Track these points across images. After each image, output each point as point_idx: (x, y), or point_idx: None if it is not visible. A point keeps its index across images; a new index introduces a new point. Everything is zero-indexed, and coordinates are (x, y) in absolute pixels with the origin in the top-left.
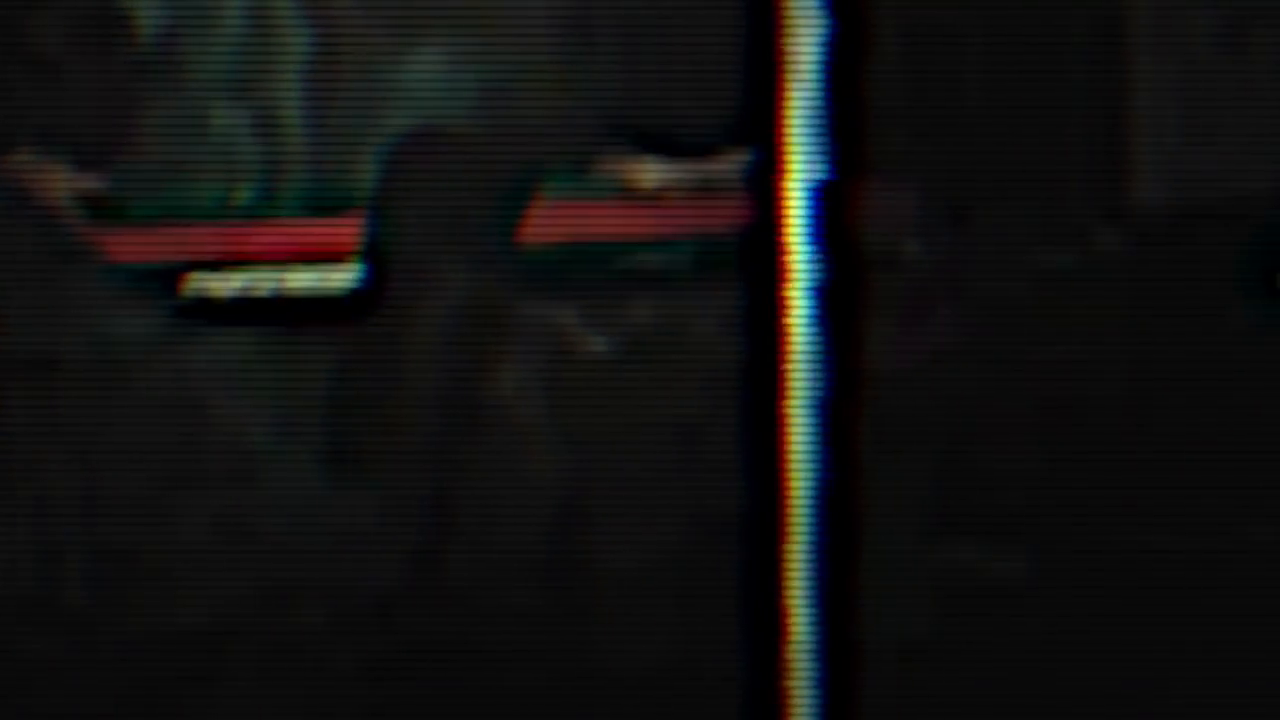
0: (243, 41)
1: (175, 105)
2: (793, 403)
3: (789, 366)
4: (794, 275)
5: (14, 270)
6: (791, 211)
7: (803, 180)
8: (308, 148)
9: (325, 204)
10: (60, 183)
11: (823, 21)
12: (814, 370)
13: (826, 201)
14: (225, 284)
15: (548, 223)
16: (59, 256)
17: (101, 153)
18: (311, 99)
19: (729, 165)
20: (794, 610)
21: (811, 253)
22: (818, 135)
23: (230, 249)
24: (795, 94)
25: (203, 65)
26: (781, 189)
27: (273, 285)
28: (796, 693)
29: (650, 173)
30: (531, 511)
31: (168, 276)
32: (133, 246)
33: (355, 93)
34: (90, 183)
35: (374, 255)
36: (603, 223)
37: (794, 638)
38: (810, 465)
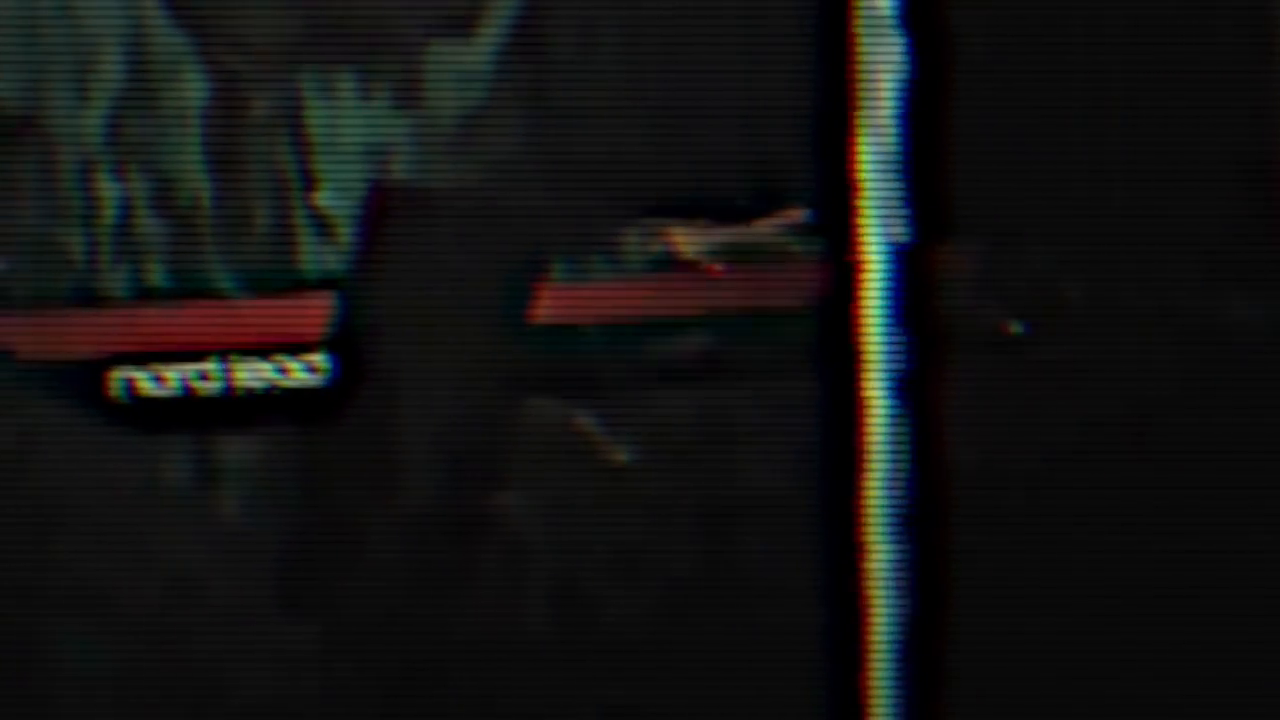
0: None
1: (55, 176)
2: (873, 522)
3: (868, 472)
4: (872, 358)
5: None
6: (868, 281)
7: (880, 244)
8: (236, 214)
9: (278, 280)
10: None
11: (901, 67)
12: (897, 474)
13: (908, 268)
14: (159, 381)
15: (566, 301)
16: None
17: None
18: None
19: (786, 228)
20: None
21: (893, 331)
22: (896, 192)
23: (160, 337)
24: (870, 146)
25: (77, 130)
26: (855, 255)
27: (219, 381)
28: None
29: (695, 239)
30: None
31: (88, 373)
32: (41, 337)
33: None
34: None
35: (345, 342)
36: (635, 299)
37: None
38: (894, 597)
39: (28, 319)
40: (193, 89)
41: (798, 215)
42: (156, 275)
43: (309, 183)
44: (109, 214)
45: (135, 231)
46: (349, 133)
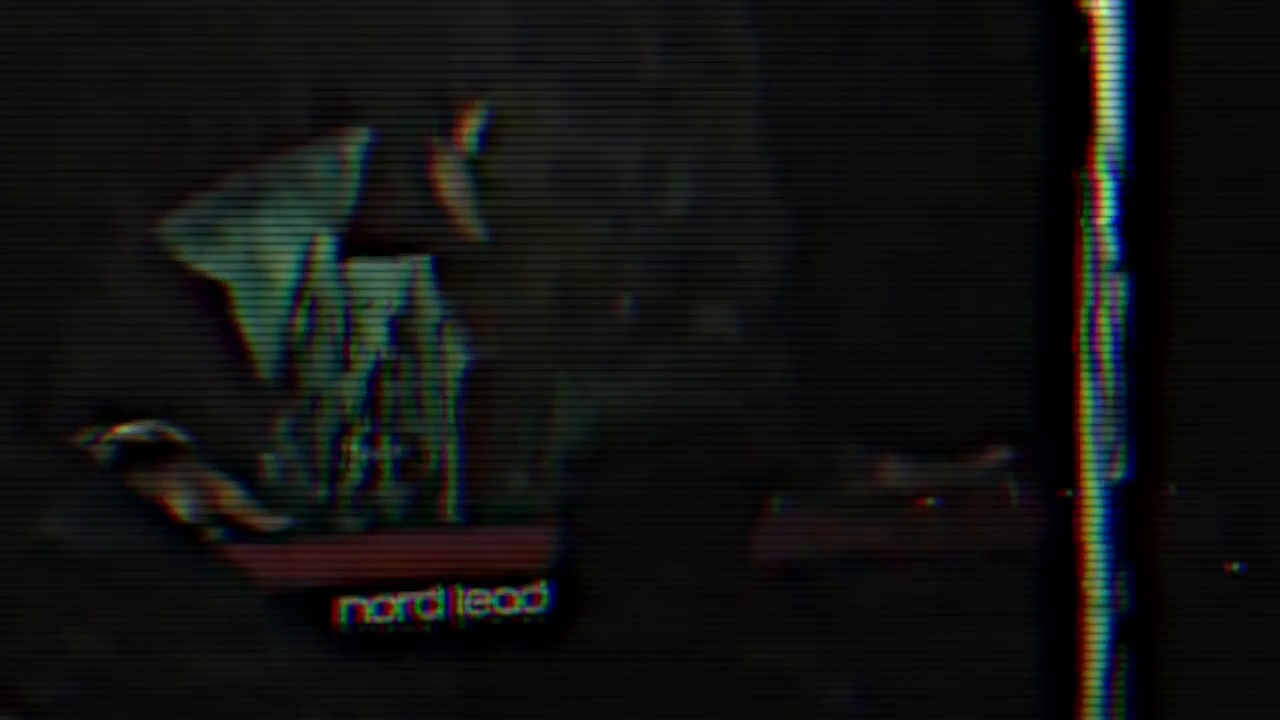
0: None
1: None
2: None
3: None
4: (1092, 599)
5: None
6: (1087, 521)
7: (1100, 483)
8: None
9: (502, 513)
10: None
11: (1123, 307)
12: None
13: (1127, 508)
14: (383, 609)
15: (785, 534)
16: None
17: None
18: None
19: (1001, 466)
20: None
21: (1113, 572)
22: (1116, 431)
23: (384, 567)
24: (1090, 385)
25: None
26: (1074, 494)
27: (440, 611)
28: None
29: (907, 474)
30: None
31: (317, 600)
32: (279, 565)
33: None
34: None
35: (562, 576)
36: (855, 534)
37: None
38: None
39: (269, 547)
40: (453, 361)
41: (1009, 453)
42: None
43: (541, 445)
44: (355, 476)
45: (377, 495)
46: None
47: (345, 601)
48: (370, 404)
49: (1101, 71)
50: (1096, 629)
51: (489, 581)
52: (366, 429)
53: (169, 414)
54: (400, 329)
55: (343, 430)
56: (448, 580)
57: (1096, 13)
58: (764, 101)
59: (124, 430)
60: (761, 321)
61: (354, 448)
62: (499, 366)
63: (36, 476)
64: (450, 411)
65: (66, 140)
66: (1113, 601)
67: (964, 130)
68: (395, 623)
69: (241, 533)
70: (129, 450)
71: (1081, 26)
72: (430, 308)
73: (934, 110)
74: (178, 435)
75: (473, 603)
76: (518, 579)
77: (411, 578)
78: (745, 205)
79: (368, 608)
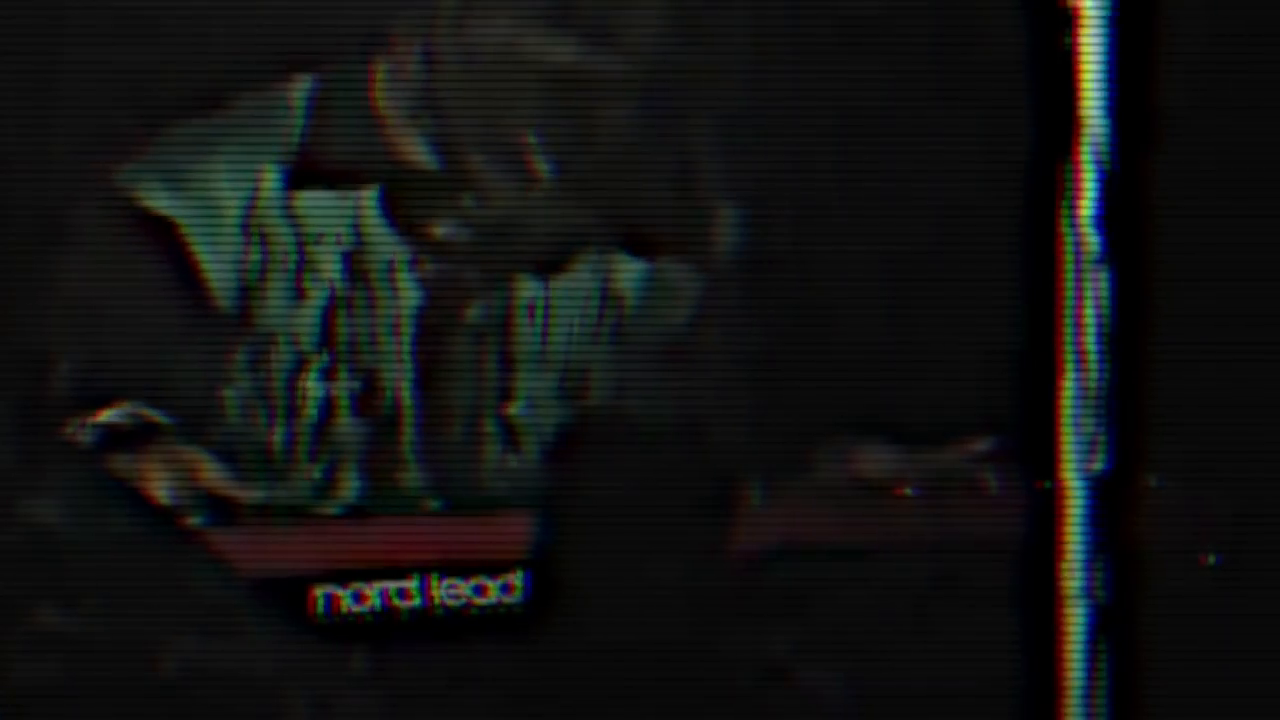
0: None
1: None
2: None
3: (1066, 708)
4: (1070, 591)
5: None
6: (1067, 513)
7: (1080, 475)
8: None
9: (474, 502)
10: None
11: (1105, 301)
12: (1097, 709)
13: (1107, 500)
14: (359, 598)
15: (761, 525)
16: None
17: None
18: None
19: (979, 456)
20: None
21: (1091, 563)
22: (1097, 423)
23: (358, 555)
24: (1072, 377)
25: (286, 331)
26: (1054, 485)
27: (418, 601)
28: None
29: (884, 463)
30: None
31: (293, 589)
32: (257, 553)
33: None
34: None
35: (539, 564)
36: (831, 524)
37: None
38: None
39: (249, 535)
40: (405, 296)
41: (989, 443)
42: (351, 481)
43: (505, 395)
44: (310, 413)
45: (334, 433)
46: (553, 348)
47: (321, 590)
48: (325, 338)
49: (1085, 66)
50: (1076, 620)
51: (465, 571)
52: (323, 363)
53: (136, 369)
54: (353, 263)
55: (299, 365)
56: (424, 569)
57: (1080, 8)
58: (751, 98)
59: (104, 416)
60: (741, 312)
61: (310, 382)
62: (453, 301)
63: (19, 463)
64: (405, 347)
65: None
66: (1091, 593)
67: (947, 125)
68: (372, 611)
69: (221, 510)
70: (110, 436)
71: (1065, 21)
72: (381, 241)
73: (917, 106)
74: (157, 417)
75: (448, 592)
76: (494, 568)
77: (389, 566)
78: (730, 191)
79: (344, 596)
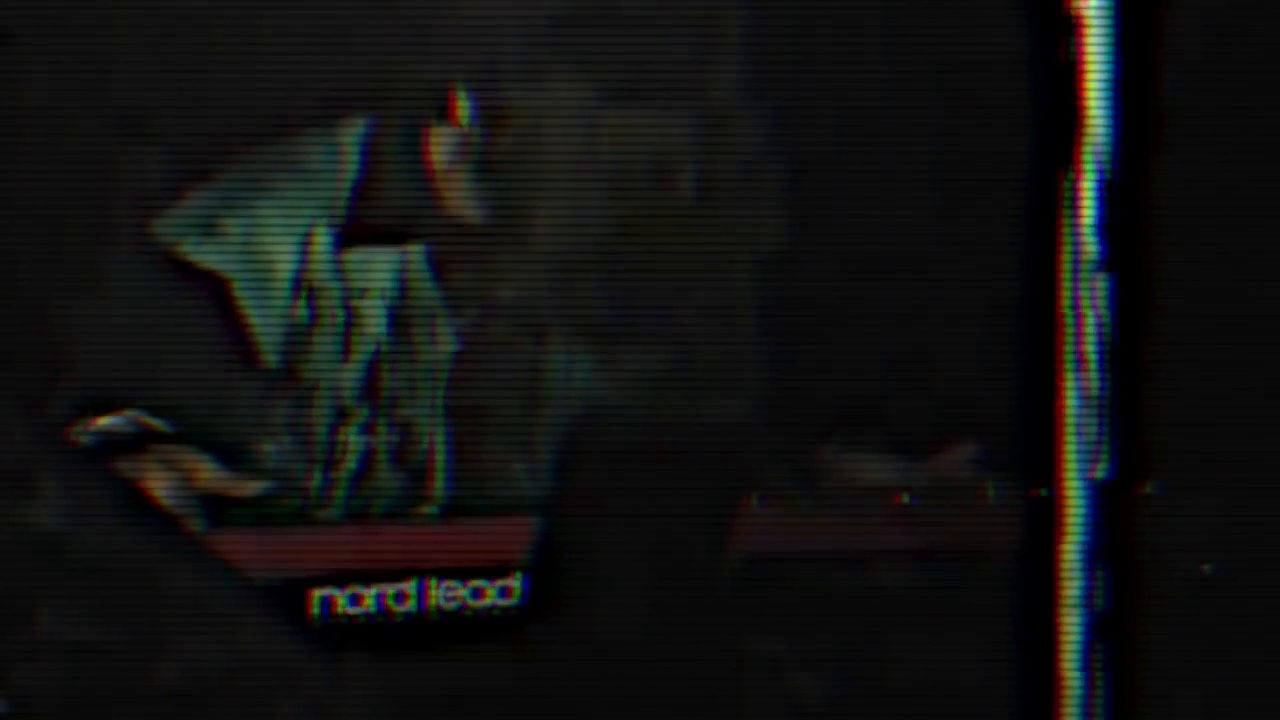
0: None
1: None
2: None
3: (1065, 715)
4: (1069, 598)
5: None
6: (1066, 520)
7: (1080, 482)
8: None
9: (478, 505)
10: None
11: (1105, 307)
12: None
13: (1107, 507)
14: (355, 601)
15: (762, 532)
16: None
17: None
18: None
19: (977, 464)
20: None
21: (1091, 570)
22: (1098, 430)
23: (359, 558)
24: (1073, 384)
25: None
26: (1054, 493)
27: (414, 603)
28: None
29: (881, 469)
30: None
31: (292, 591)
32: (259, 554)
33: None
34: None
35: (539, 567)
36: (831, 531)
37: None
38: None
39: (252, 537)
40: (444, 344)
41: (990, 451)
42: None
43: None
44: (350, 464)
45: (371, 482)
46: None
47: (319, 592)
48: (368, 391)
49: (1088, 73)
50: (1074, 627)
51: (463, 574)
52: (364, 416)
53: (174, 412)
54: (397, 316)
55: (340, 418)
56: (422, 572)
57: (1083, 14)
58: (756, 99)
59: (104, 422)
60: (742, 319)
61: (351, 435)
62: (488, 351)
63: (24, 468)
64: (439, 396)
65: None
66: (1089, 600)
67: (949, 129)
68: (368, 614)
69: (222, 509)
70: (111, 441)
71: (1068, 28)
72: (424, 293)
73: (920, 110)
74: (157, 424)
75: (446, 595)
76: (493, 572)
77: (388, 569)
78: (738, 199)
79: (341, 599)
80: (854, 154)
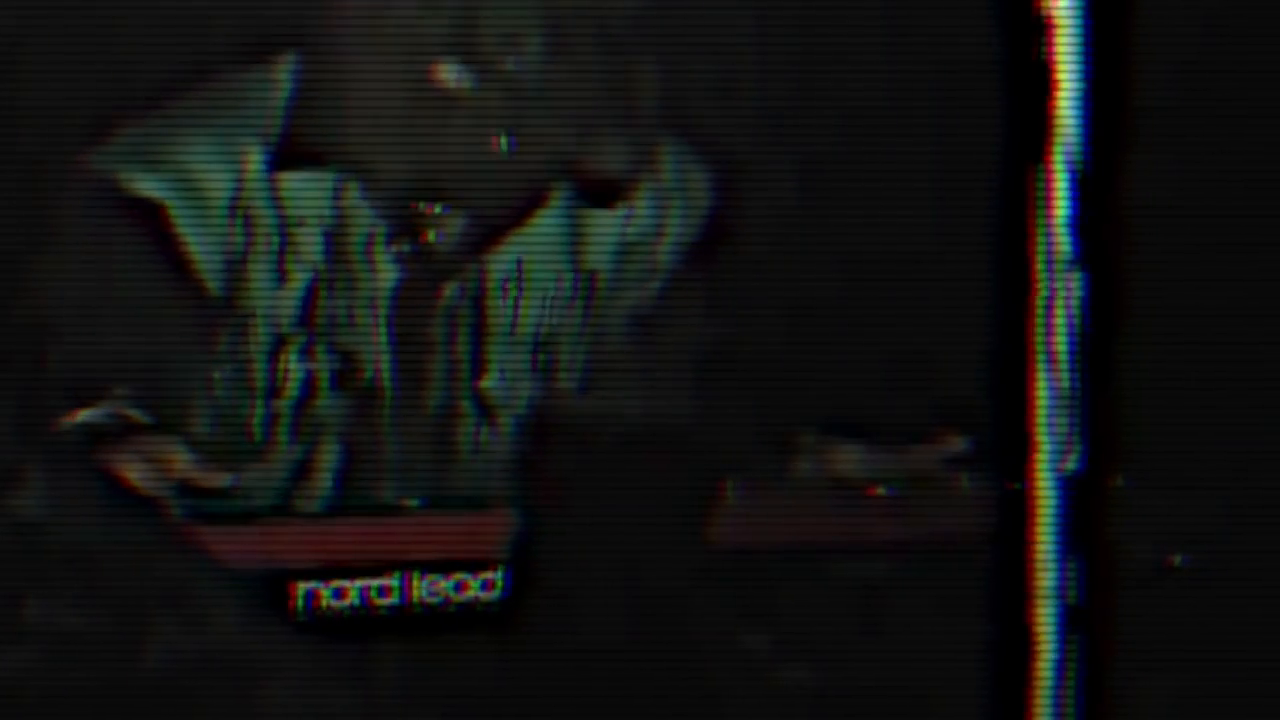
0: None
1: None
2: None
3: (1038, 706)
4: (1042, 590)
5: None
6: (1039, 512)
7: (1051, 476)
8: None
9: (454, 500)
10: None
11: (1078, 303)
12: (1067, 707)
13: (1078, 500)
14: (339, 595)
15: (738, 522)
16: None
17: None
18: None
19: (951, 456)
20: None
21: (1063, 563)
22: (1069, 424)
23: (337, 551)
24: (1045, 379)
25: (269, 309)
26: (1026, 486)
27: (396, 597)
28: None
29: (858, 461)
30: None
31: (274, 583)
32: (237, 546)
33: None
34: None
35: (518, 561)
36: (806, 523)
37: None
38: None
39: (232, 530)
40: (383, 274)
41: (960, 443)
42: (328, 460)
43: (478, 369)
44: (292, 391)
45: (314, 410)
46: (524, 322)
47: (302, 586)
48: (305, 317)
49: (1060, 72)
50: (1046, 617)
51: (445, 567)
52: (302, 342)
53: (132, 368)
54: (334, 242)
55: (278, 345)
56: (404, 566)
57: (1054, 16)
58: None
59: (84, 415)
60: (720, 312)
61: (291, 362)
62: (430, 281)
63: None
64: (382, 324)
65: None
66: (1063, 592)
67: (923, 128)
68: (351, 607)
69: (195, 498)
70: (91, 432)
71: (1040, 27)
72: (360, 220)
73: (891, 108)
74: (136, 415)
75: (428, 588)
76: (474, 565)
77: (369, 562)
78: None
79: (324, 592)
80: (826, 153)
